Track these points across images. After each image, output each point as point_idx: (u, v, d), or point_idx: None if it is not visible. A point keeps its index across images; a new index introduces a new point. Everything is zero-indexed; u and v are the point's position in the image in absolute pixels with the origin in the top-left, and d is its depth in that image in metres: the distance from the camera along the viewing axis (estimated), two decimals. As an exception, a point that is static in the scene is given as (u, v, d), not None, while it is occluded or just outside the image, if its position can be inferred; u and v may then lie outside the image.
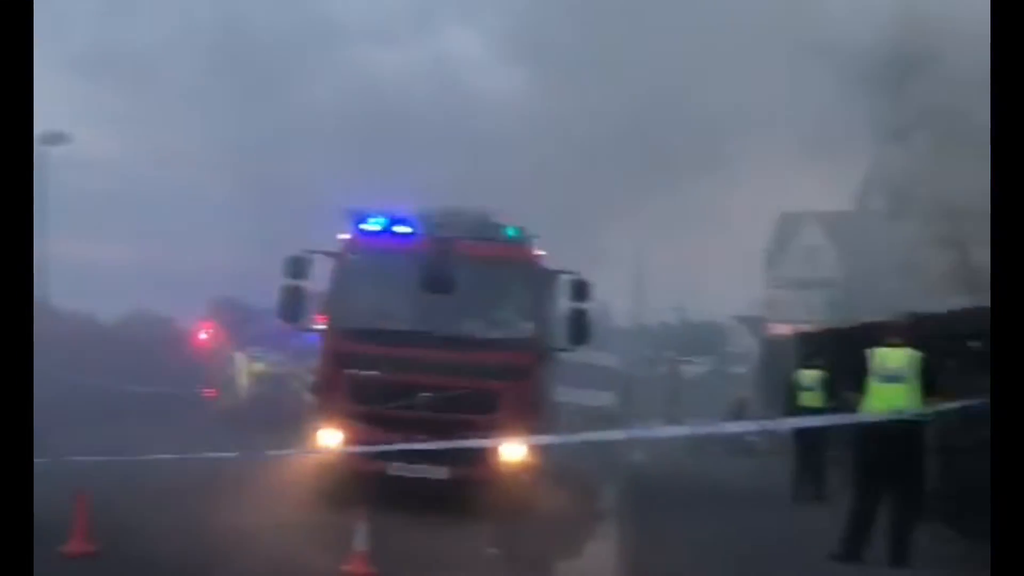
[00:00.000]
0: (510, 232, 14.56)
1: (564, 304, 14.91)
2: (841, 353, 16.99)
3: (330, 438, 13.76)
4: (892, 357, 11.05)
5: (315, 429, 13.92)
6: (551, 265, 14.79)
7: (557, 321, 15.23)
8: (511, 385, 13.68)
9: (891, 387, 10.92)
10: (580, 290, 14.72)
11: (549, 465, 14.57)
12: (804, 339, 25.84)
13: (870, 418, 10.96)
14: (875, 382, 11.02)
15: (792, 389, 16.64)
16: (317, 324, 14.63)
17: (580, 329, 14.66)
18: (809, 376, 16.51)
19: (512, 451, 13.59)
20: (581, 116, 36.99)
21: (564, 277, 14.85)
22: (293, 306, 14.34)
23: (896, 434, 10.86)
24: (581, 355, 19.82)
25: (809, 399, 16.15)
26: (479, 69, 48.94)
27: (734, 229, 67.76)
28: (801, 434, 16.00)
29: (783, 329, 54.89)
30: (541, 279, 14.69)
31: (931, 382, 11.00)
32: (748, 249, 74.15)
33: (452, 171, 25.83)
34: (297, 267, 14.25)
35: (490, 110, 39.61)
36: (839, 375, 14.80)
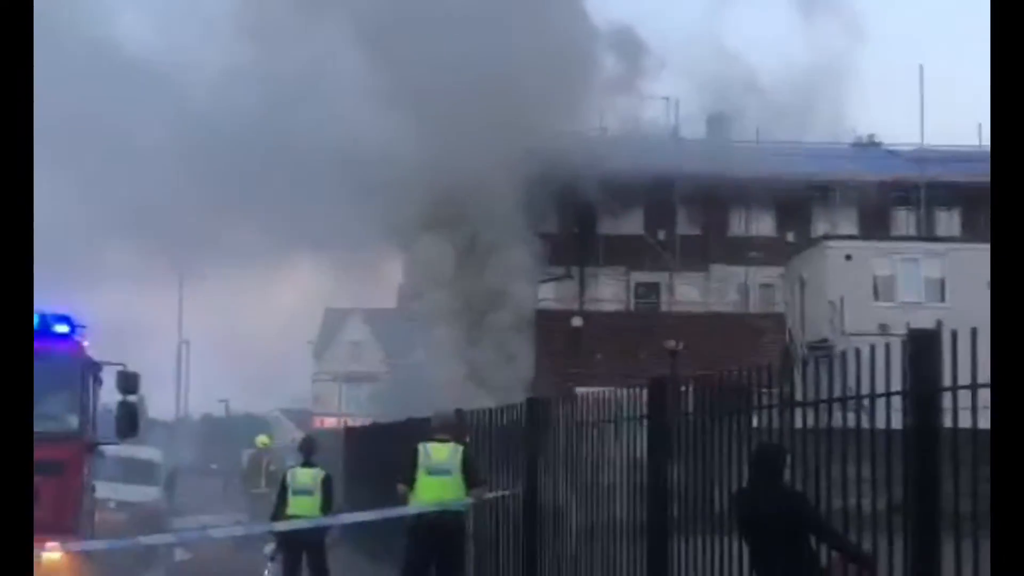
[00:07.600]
0: (50, 320, 13.87)
1: (110, 395, 14.40)
2: (391, 447, 17.48)
3: None
4: (439, 451, 11.63)
5: None
6: (95, 355, 14.26)
7: (101, 413, 14.67)
8: (51, 480, 12.99)
9: (438, 479, 11.47)
10: (127, 382, 14.27)
11: (92, 564, 13.91)
12: (351, 433, 26.34)
13: (419, 509, 11.43)
14: (423, 475, 11.53)
15: (283, 491, 14.30)
16: None
17: (127, 422, 14.20)
18: (306, 476, 14.22)
19: (52, 550, 12.88)
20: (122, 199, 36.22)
21: (110, 368, 14.36)
22: None
23: (443, 524, 11.40)
24: (124, 448, 19.13)
25: (302, 505, 13.93)
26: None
27: (281, 321, 67.85)
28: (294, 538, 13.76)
29: (330, 422, 55.51)
30: (84, 369, 14.12)
31: (473, 474, 11.71)
32: (295, 342, 74.60)
33: None
34: None
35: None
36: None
